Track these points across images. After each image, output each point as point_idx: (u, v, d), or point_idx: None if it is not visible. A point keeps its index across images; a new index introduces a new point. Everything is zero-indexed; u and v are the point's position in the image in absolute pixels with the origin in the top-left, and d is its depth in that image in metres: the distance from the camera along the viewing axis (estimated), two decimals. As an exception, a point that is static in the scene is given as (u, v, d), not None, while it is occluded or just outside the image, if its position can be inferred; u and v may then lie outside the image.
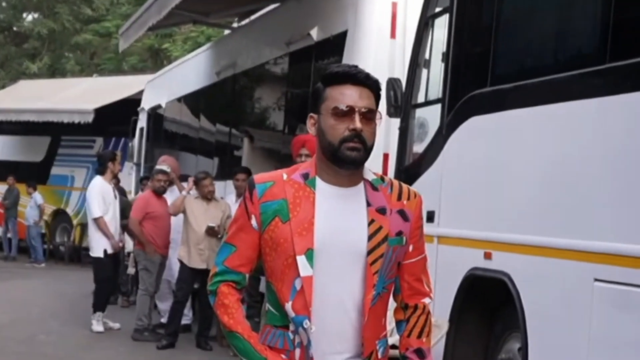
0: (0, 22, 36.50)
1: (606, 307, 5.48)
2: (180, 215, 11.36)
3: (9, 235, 23.12)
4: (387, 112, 7.93)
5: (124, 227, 12.38)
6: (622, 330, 5.36)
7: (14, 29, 36.81)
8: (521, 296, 6.25)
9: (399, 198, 3.25)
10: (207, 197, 11.19)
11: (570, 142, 5.95)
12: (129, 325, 11.93)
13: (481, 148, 6.99)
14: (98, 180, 12.21)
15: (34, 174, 23.23)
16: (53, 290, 16.51)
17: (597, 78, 5.74)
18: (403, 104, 8.04)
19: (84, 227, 20.51)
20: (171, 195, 12.00)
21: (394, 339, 3.47)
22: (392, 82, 8.01)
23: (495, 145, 6.81)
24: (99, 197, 11.91)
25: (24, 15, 37.03)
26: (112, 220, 12.03)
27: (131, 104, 19.95)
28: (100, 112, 21.03)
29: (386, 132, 8.46)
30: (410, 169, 8.02)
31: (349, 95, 3.14)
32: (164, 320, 12.06)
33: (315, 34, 10.19)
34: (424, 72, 8.05)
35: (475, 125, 7.03)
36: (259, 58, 12.53)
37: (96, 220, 11.90)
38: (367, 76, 3.19)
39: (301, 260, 3.12)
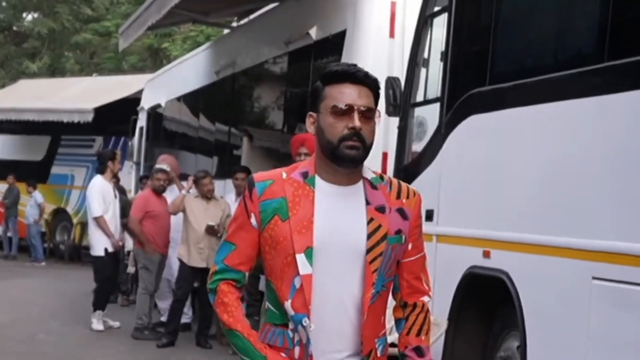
0: (0, 22, 36.50)
1: (604, 305, 5.50)
2: (180, 214, 11.38)
3: (9, 234, 23.14)
4: (386, 111, 7.94)
5: (124, 226, 12.39)
6: (621, 328, 5.37)
7: (14, 28, 36.82)
8: (520, 294, 6.27)
9: (398, 196, 3.25)
10: (207, 196, 11.20)
11: (569, 140, 5.96)
12: (129, 324, 11.95)
13: (480, 147, 7.00)
14: (98, 179, 12.23)
15: (34, 173, 23.24)
16: (53, 289, 16.52)
17: (595, 76, 5.75)
18: (402, 103, 8.05)
19: (84, 226, 20.52)
20: (171, 194, 12.01)
21: (393, 337, 3.48)
22: (391, 81, 8.02)
23: (494, 143, 6.82)
24: (99, 196, 11.93)
25: (24, 14, 37.04)
26: (112, 219, 12.05)
27: (131, 103, 19.95)
28: (100, 111, 21.04)
29: (385, 131, 8.48)
30: (409, 167, 8.03)
31: (348, 94, 3.14)
32: (163, 318, 12.06)
33: (314, 33, 10.21)
34: (423, 71, 8.06)
35: (474, 124, 7.04)
36: (258, 57, 12.54)
37: (96, 219, 11.92)
38: (366, 75, 3.19)
39: (300, 258, 3.12)
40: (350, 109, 3.12)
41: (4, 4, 36.60)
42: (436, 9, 7.91)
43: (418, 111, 8.14)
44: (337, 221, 3.16)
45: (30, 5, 35.92)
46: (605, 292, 5.49)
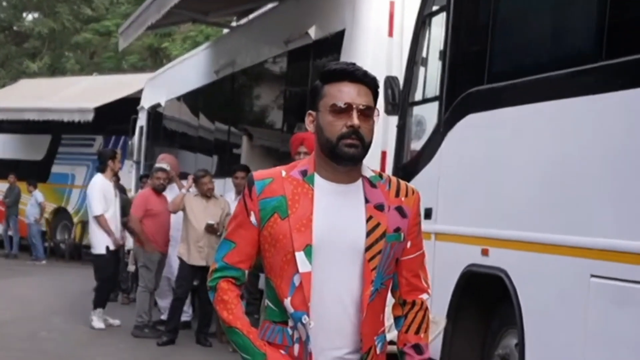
0: (1, 22, 36.49)
1: (602, 303, 5.50)
2: (180, 213, 11.39)
3: (10, 233, 23.17)
4: (385, 110, 7.95)
5: (124, 225, 12.41)
6: (618, 325, 5.37)
7: (15, 28, 36.81)
8: (518, 292, 6.27)
9: (397, 195, 3.25)
10: (207, 194, 11.21)
11: (567, 139, 5.97)
12: (129, 322, 11.96)
13: (478, 145, 7.01)
14: (99, 178, 12.24)
15: (34, 172, 23.26)
16: (54, 288, 16.53)
17: (592, 75, 5.77)
18: (401, 101, 8.06)
19: (84, 224, 20.55)
20: (171, 193, 12.02)
21: (392, 334, 3.47)
22: (390, 80, 8.03)
23: (493, 142, 6.83)
24: (100, 195, 11.95)
25: (24, 14, 37.03)
26: (113, 218, 12.07)
27: (131, 102, 19.96)
28: (100, 110, 21.05)
29: (384, 130, 8.50)
30: (408, 166, 8.04)
31: (347, 93, 3.14)
32: (164, 317, 12.08)
33: (313, 32, 10.22)
34: (422, 70, 8.07)
35: (473, 123, 7.06)
36: (258, 57, 12.56)
37: (97, 218, 11.94)
38: (365, 73, 3.19)
39: (300, 256, 3.12)
40: (349, 108, 3.13)
41: (4, 3, 36.59)
42: (434, 8, 7.93)
43: (417, 110, 8.16)
44: (336, 219, 3.17)
45: (30, 5, 35.91)
46: (604, 289, 5.50)
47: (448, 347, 7.13)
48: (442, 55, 7.60)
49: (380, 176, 3.29)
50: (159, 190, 11.97)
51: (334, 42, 9.61)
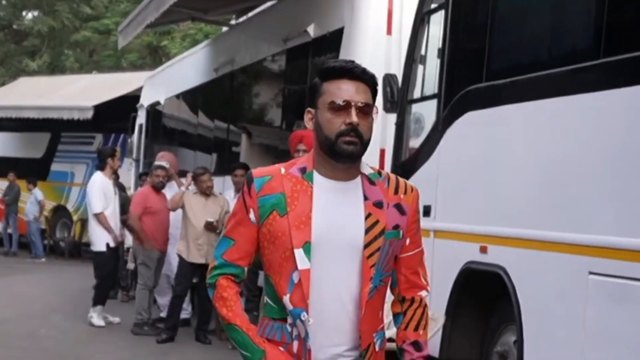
0: (1, 20, 36.46)
1: (601, 300, 5.52)
2: (179, 211, 11.40)
3: (9, 230, 23.17)
4: (384, 107, 7.96)
5: (124, 222, 12.42)
6: (616, 322, 5.39)
7: (14, 26, 36.78)
8: (517, 289, 6.29)
9: (396, 192, 3.26)
10: (206, 192, 11.22)
11: (566, 136, 5.99)
12: (128, 320, 11.97)
13: (477, 143, 7.02)
14: (98, 175, 12.25)
15: (34, 170, 23.28)
16: (53, 286, 16.54)
17: (591, 73, 5.79)
18: (399, 99, 8.07)
19: (84, 222, 20.56)
20: (170, 191, 12.03)
21: (391, 331, 3.47)
22: (389, 78, 8.04)
23: (491, 140, 6.84)
24: (99, 193, 11.96)
25: (24, 13, 37.01)
26: (112, 216, 12.07)
27: (130, 100, 19.96)
28: (99, 108, 21.06)
29: (383, 127, 8.51)
30: (407, 164, 8.05)
31: (346, 90, 3.14)
32: (163, 314, 12.09)
33: (312, 30, 10.23)
34: (420, 68, 8.08)
35: (471, 121, 7.07)
36: (257, 55, 12.56)
37: (97, 216, 11.95)
38: (364, 71, 3.19)
39: (299, 253, 3.13)
40: (347, 105, 3.13)
41: (4, 2, 36.57)
42: (433, 6, 7.94)
43: (415, 108, 8.17)
44: (335, 216, 3.17)
45: (30, 4, 35.88)
46: (602, 287, 5.51)
47: (447, 343, 7.14)
48: (441, 53, 7.61)
49: (379, 173, 3.29)
50: (158, 188, 11.98)
51: (333, 40, 9.61)
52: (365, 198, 3.21)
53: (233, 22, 14.99)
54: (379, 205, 3.21)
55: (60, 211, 23.64)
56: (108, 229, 11.93)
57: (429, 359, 3.47)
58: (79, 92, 23.28)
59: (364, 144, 3.16)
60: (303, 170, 3.23)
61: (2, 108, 23.94)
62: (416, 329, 3.35)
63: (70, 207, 23.35)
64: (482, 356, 7.06)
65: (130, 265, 14.11)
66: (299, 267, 3.13)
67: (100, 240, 11.97)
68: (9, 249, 23.03)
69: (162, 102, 17.31)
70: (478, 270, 6.81)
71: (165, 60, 25.56)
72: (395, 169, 8.00)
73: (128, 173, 18.71)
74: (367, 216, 3.19)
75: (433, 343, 6.60)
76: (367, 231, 3.17)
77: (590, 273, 5.57)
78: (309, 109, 3.26)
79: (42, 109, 22.73)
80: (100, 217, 11.92)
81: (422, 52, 8.07)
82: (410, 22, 8.28)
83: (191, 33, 28.42)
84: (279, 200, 3.18)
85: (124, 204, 12.70)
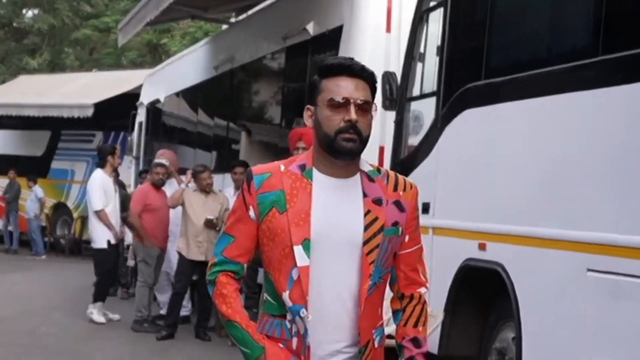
0: (1, 18, 36.48)
1: (599, 296, 5.52)
2: (179, 208, 11.41)
3: (10, 228, 23.18)
4: (383, 105, 7.97)
5: (124, 220, 12.44)
6: (615, 319, 5.39)
7: (14, 24, 36.80)
8: (515, 286, 6.30)
9: (395, 189, 3.26)
10: (206, 190, 11.23)
11: (564, 133, 5.99)
12: (128, 317, 11.97)
13: (476, 140, 7.03)
14: (99, 173, 12.27)
15: (34, 168, 23.29)
16: (54, 283, 16.55)
17: (590, 70, 5.80)
18: (398, 97, 8.08)
19: (84, 220, 20.56)
20: (170, 188, 12.05)
21: (390, 328, 3.49)
22: (388, 76, 8.05)
23: (490, 137, 6.85)
24: (100, 190, 11.98)
25: (24, 11, 37.03)
26: (113, 213, 12.09)
27: (130, 98, 19.95)
28: (99, 106, 21.05)
29: (382, 125, 8.51)
30: (406, 161, 8.05)
31: (345, 87, 3.15)
32: (163, 311, 12.10)
33: (311, 28, 10.24)
34: (419, 65, 8.08)
35: (470, 118, 7.08)
36: (256, 52, 12.57)
37: (97, 213, 11.97)
38: (363, 68, 3.20)
39: (298, 250, 3.13)
40: (346, 102, 3.13)
41: (4, 0, 36.58)
42: (432, 4, 7.94)
43: (414, 105, 8.17)
44: (334, 213, 3.17)
45: (30, 2, 35.88)
46: (600, 283, 5.52)
47: (446, 340, 7.15)
48: (440, 50, 7.62)
49: (379, 170, 3.30)
50: (158, 186, 12.00)
51: (332, 38, 9.62)
52: (365, 195, 3.21)
53: (233, 20, 14.99)
54: (378, 202, 3.21)
55: (60, 209, 23.65)
56: (109, 226, 11.95)
57: (428, 356, 3.47)
58: (79, 90, 23.29)
59: (363, 141, 3.17)
60: (302, 168, 3.23)
61: (2, 106, 23.94)
62: (415, 325, 3.35)
63: (70, 204, 23.36)
64: (481, 353, 7.06)
65: (130, 263, 14.12)
66: (298, 264, 3.14)
67: (100, 237, 12.00)
68: (10, 247, 23.04)
69: (162, 99, 17.31)
70: (477, 267, 6.82)
71: (165, 58, 25.56)
72: (395, 166, 8.00)
73: (128, 170, 18.71)
74: (367, 213, 3.19)
75: (432, 340, 6.62)
76: (366, 228, 3.17)
77: (589, 270, 5.58)
78: (308, 106, 3.26)
79: (42, 106, 22.74)
80: (100, 215, 11.94)
81: (421, 49, 8.07)
82: (410, 20, 8.29)
83: (191, 31, 28.44)
84: (279, 198, 3.18)
85: (124, 202, 12.71)
